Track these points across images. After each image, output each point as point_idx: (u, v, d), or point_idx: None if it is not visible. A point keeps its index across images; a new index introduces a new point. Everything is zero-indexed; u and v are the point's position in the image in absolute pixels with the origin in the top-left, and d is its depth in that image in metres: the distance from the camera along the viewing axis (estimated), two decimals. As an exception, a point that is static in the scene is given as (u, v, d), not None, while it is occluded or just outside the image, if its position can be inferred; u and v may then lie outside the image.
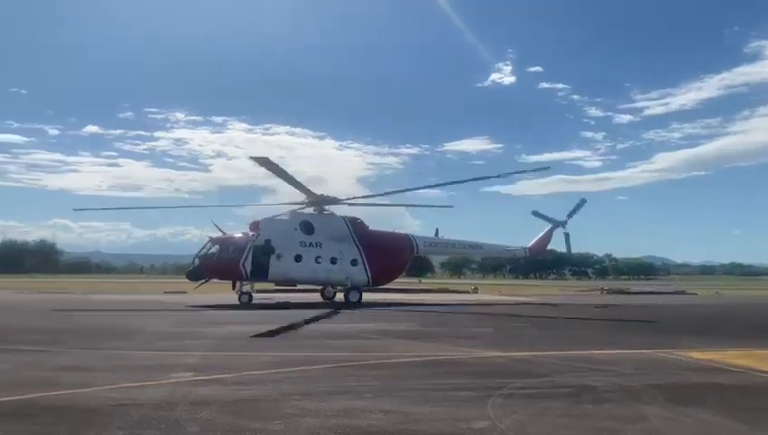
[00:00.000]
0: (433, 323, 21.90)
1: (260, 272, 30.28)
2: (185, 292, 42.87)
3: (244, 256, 29.94)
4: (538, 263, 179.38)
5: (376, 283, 33.63)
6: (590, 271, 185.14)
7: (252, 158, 27.59)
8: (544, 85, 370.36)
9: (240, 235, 31.58)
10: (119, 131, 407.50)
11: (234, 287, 31.33)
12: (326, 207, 33.47)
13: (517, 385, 9.66)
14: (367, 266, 32.29)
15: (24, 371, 10.63)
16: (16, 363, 11.40)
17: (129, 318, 22.32)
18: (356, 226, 33.20)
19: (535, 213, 40.79)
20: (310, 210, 33.19)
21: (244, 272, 30.11)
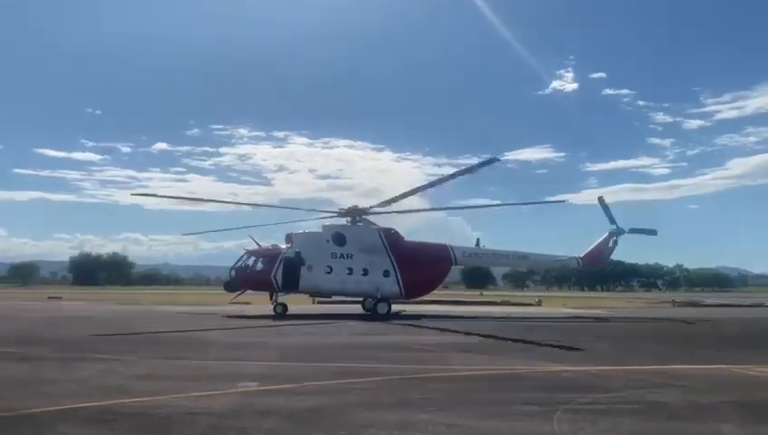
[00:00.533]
0: (495, 336, 21.58)
1: (291, 283, 30.63)
2: (249, 303, 43.81)
3: (275, 269, 30.53)
4: (605, 274, 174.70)
5: (409, 295, 33.04)
6: (659, 282, 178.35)
7: None
8: (608, 92, 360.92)
9: (274, 247, 32.06)
10: (186, 148, 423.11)
11: (271, 299, 31.84)
12: (366, 217, 33.39)
13: (585, 400, 9.39)
14: (399, 278, 31.79)
15: (100, 378, 11.10)
16: (93, 371, 11.91)
17: (197, 328, 22.97)
18: (390, 236, 32.69)
19: (601, 200, 37.92)
20: (343, 222, 33.29)
21: (275, 284, 30.69)
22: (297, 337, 19.70)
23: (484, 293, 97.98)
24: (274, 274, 30.43)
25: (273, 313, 30.22)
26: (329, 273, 31.03)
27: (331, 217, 33.70)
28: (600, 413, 8.54)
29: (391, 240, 32.59)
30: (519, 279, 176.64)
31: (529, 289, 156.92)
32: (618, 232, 37.10)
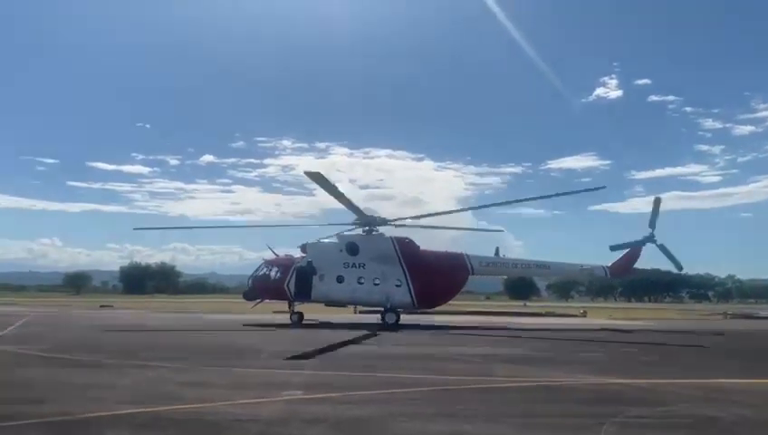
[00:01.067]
0: (539, 347, 21.31)
1: (303, 292, 31.01)
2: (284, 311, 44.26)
3: (288, 278, 31.09)
4: (652, 285, 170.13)
5: (423, 304, 32.67)
6: (710, 294, 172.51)
7: (306, 173, 28.75)
8: (654, 98, 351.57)
9: (288, 258, 32.50)
10: (232, 160, 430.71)
11: (289, 307, 32.32)
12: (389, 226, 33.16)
13: (633, 413, 9.22)
14: (411, 288, 31.45)
15: (152, 385, 11.44)
16: (144, 378, 12.29)
17: (243, 337, 23.40)
18: (404, 246, 32.49)
19: (657, 201, 34.98)
20: (359, 231, 33.08)
21: (288, 293, 31.24)
22: (341, 348, 19.83)
23: (528, 304, 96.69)
24: (287, 283, 31.04)
25: (290, 321, 31.03)
26: (340, 282, 31.24)
27: (351, 228, 33.47)
28: (650, 427, 8.38)
29: (405, 250, 32.37)
30: (563, 290, 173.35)
31: (573, 300, 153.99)
32: (651, 240, 34.47)
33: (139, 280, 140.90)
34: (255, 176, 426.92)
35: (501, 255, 34.40)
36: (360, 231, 33.18)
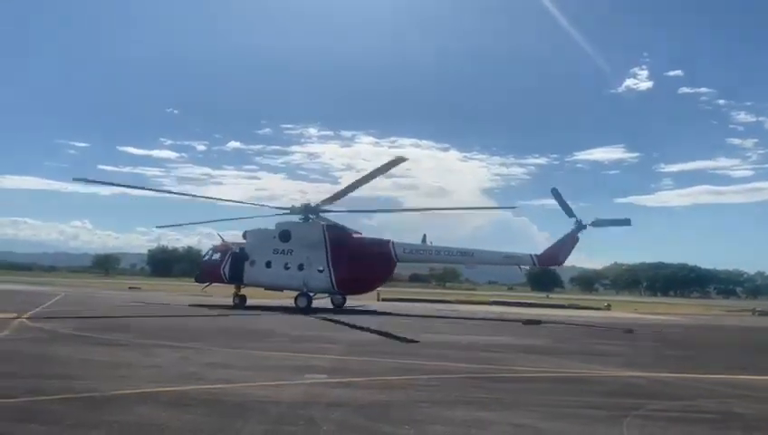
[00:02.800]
0: (561, 338, 21.22)
1: (236, 277, 33.00)
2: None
3: (224, 263, 33.09)
4: (679, 280, 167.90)
5: (344, 290, 33.44)
6: (739, 290, 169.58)
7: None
8: (685, 90, 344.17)
9: (226, 244, 34.11)
10: (258, 147, 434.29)
11: (235, 290, 33.67)
12: (323, 214, 33.82)
13: (655, 407, 9.15)
14: (332, 273, 32.35)
15: (178, 366, 11.67)
16: (169, 358, 12.53)
17: (265, 321, 23.67)
18: (333, 233, 33.34)
19: (554, 191, 33.21)
20: (295, 218, 33.96)
21: (224, 276, 33.20)
22: (363, 333, 19.98)
23: (551, 296, 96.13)
24: (223, 267, 33.06)
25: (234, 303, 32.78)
26: (269, 267, 32.75)
27: (285, 213, 34.49)
28: (672, 421, 8.32)
29: (333, 237, 33.16)
30: (587, 282, 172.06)
31: (597, 293, 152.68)
32: (582, 226, 32.74)
33: (167, 263, 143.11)
34: (281, 163, 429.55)
35: (428, 242, 34.32)
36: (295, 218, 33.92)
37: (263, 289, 34.42)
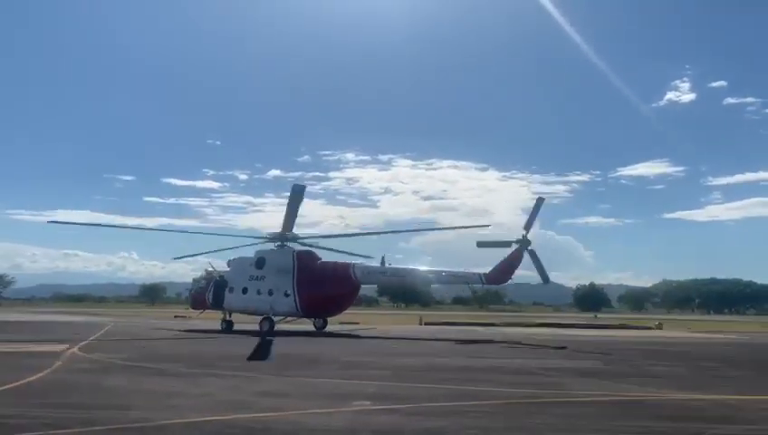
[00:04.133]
0: (613, 360, 20.56)
1: (217, 303, 34.73)
2: (357, 322, 44.63)
3: (208, 290, 34.93)
4: (733, 296, 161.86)
5: (309, 313, 34.37)
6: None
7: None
8: (730, 101, 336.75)
9: (210, 273, 36.04)
10: (297, 174, 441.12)
11: (223, 316, 35.37)
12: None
13: (718, 432, 8.72)
14: (297, 297, 33.29)
15: (226, 394, 11.69)
16: (219, 387, 12.58)
17: (312, 346, 23.65)
18: (301, 258, 34.50)
19: (539, 201, 32.95)
20: (271, 245, 35.31)
21: (208, 303, 35.09)
22: (408, 358, 19.76)
23: (599, 316, 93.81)
24: (207, 295, 34.94)
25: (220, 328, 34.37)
26: (245, 293, 34.11)
27: (263, 242, 35.98)
28: (739, 447, 7.89)
29: (301, 262, 34.26)
30: (637, 301, 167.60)
31: (647, 311, 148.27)
32: (524, 243, 32.04)
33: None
34: (320, 189, 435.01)
35: (387, 264, 35.01)
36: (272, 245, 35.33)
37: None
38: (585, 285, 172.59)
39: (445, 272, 34.43)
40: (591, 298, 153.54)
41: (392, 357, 19.97)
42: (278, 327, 33.49)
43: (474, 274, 32.91)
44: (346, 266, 34.54)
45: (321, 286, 33.66)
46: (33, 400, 10.60)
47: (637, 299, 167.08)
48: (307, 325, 35.50)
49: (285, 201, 33.79)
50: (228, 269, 35.83)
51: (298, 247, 35.44)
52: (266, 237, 35.80)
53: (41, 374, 13.78)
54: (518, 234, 32.27)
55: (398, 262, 34.09)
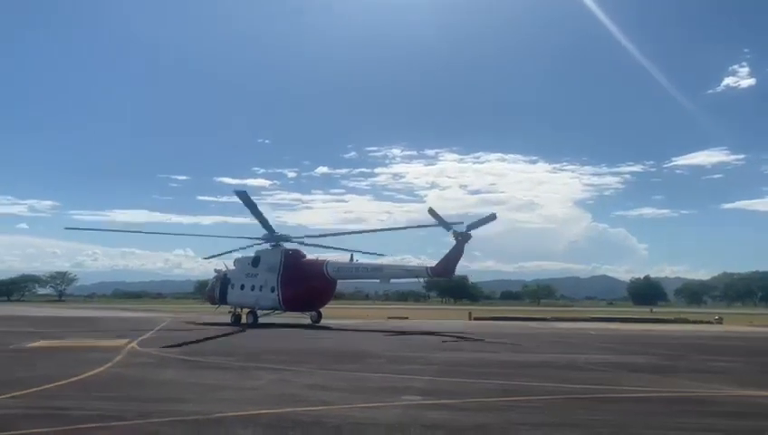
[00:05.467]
0: (668, 356, 19.98)
1: (222, 299, 38.07)
2: (406, 317, 44.68)
3: (215, 287, 38.77)
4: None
5: (290, 307, 36.93)
6: None
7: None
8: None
9: (223, 270, 39.36)
10: (344, 170, 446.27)
11: (233, 311, 37.53)
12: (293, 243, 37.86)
13: (784, 430, 8.35)
14: (280, 292, 36.05)
15: (276, 387, 11.89)
16: (269, 380, 12.80)
17: (359, 341, 23.80)
18: (288, 256, 37.26)
19: (431, 211, 33.54)
20: (267, 246, 38.07)
21: (215, 299, 38.71)
22: (457, 353, 19.67)
23: (655, 310, 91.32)
24: (215, 291, 38.60)
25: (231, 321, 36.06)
26: (242, 289, 37.34)
27: (259, 243, 38.44)
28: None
29: (288, 260, 37.08)
30: (695, 294, 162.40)
31: (706, 305, 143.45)
32: (463, 236, 32.52)
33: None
34: (367, 185, 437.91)
35: (355, 260, 37.42)
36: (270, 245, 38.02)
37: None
38: (640, 279, 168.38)
39: (398, 266, 36.99)
40: (647, 292, 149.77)
41: (439, 352, 19.91)
42: (286, 320, 35.87)
43: (422, 268, 34.85)
44: (321, 263, 37.01)
45: (300, 283, 36.35)
46: (95, 392, 11.02)
47: (694, 293, 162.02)
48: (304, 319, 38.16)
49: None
50: (233, 268, 39.17)
51: (307, 247, 38.27)
52: (261, 239, 38.31)
53: (102, 368, 14.32)
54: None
55: (440, 255, 33.98)
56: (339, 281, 38.12)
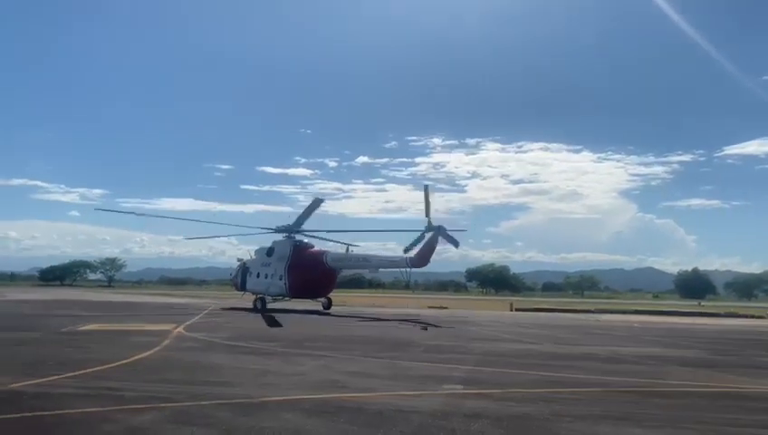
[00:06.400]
0: (719, 350, 19.49)
1: (243, 286, 40.81)
2: (446, 307, 44.63)
3: (237, 275, 41.47)
4: None
5: (295, 294, 38.93)
6: None
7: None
8: None
9: (244, 260, 41.94)
10: (385, 160, 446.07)
11: (255, 297, 39.48)
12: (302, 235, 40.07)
13: (838, 429, 8.10)
14: (287, 281, 38.28)
15: (319, 374, 12.09)
16: (312, 366, 13.02)
17: (401, 330, 23.93)
18: (296, 247, 39.55)
19: (426, 189, 34.77)
20: (279, 237, 40.43)
21: (237, 286, 41.60)
22: (498, 344, 19.61)
23: (703, 303, 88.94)
24: (238, 279, 41.35)
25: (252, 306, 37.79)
26: (258, 277, 39.77)
27: (269, 232, 41.00)
28: None
29: (296, 250, 39.39)
30: (746, 288, 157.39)
31: (758, 299, 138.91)
32: (431, 228, 34.17)
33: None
34: (407, 174, 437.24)
35: (350, 250, 40.19)
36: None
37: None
38: (687, 271, 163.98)
39: (383, 257, 38.45)
40: (695, 285, 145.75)
41: (478, 342, 19.87)
42: (302, 307, 37.69)
43: (402, 259, 35.75)
44: (321, 254, 39.31)
45: (303, 272, 38.40)
46: (145, 375, 11.40)
47: (746, 286, 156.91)
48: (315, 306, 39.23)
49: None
50: (254, 257, 41.53)
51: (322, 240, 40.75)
52: (274, 229, 40.54)
53: (151, 351, 14.80)
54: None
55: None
56: (350, 271, 41.02)
